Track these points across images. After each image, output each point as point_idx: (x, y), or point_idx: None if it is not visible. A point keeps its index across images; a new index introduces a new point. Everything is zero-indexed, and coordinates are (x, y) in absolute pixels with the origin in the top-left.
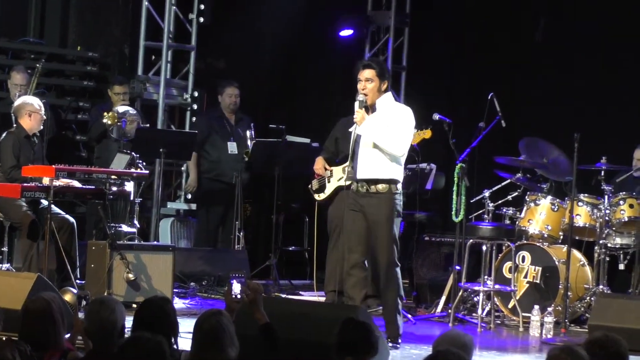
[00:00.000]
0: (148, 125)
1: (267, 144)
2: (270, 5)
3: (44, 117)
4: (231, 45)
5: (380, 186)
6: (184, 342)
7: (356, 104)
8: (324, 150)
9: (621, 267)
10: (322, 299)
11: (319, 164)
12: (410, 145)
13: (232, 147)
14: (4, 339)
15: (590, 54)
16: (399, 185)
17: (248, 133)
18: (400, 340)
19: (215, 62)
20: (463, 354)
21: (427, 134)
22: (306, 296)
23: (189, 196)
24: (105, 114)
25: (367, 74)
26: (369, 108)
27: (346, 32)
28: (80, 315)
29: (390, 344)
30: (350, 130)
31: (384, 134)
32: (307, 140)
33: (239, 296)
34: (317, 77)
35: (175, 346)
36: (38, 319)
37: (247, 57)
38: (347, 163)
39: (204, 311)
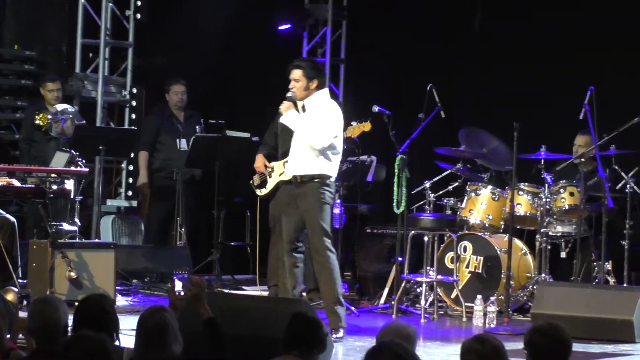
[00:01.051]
0: (86, 122)
1: (207, 139)
2: (208, 0)
3: None
4: (169, 41)
5: (308, 180)
6: (127, 339)
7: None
8: (263, 145)
9: (563, 255)
10: (265, 293)
11: (259, 162)
12: (350, 138)
13: (182, 144)
14: None
15: (528, 43)
16: (331, 179)
17: (198, 128)
18: (343, 332)
19: (153, 58)
20: (407, 345)
21: (366, 126)
22: (249, 291)
23: (130, 193)
24: (36, 116)
25: (294, 74)
26: (297, 105)
27: (284, 26)
28: (23, 314)
29: (334, 337)
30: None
31: (305, 126)
32: (247, 135)
33: (182, 293)
34: (256, 72)
35: (117, 343)
36: None
37: (185, 53)
38: (287, 158)
39: (147, 308)
